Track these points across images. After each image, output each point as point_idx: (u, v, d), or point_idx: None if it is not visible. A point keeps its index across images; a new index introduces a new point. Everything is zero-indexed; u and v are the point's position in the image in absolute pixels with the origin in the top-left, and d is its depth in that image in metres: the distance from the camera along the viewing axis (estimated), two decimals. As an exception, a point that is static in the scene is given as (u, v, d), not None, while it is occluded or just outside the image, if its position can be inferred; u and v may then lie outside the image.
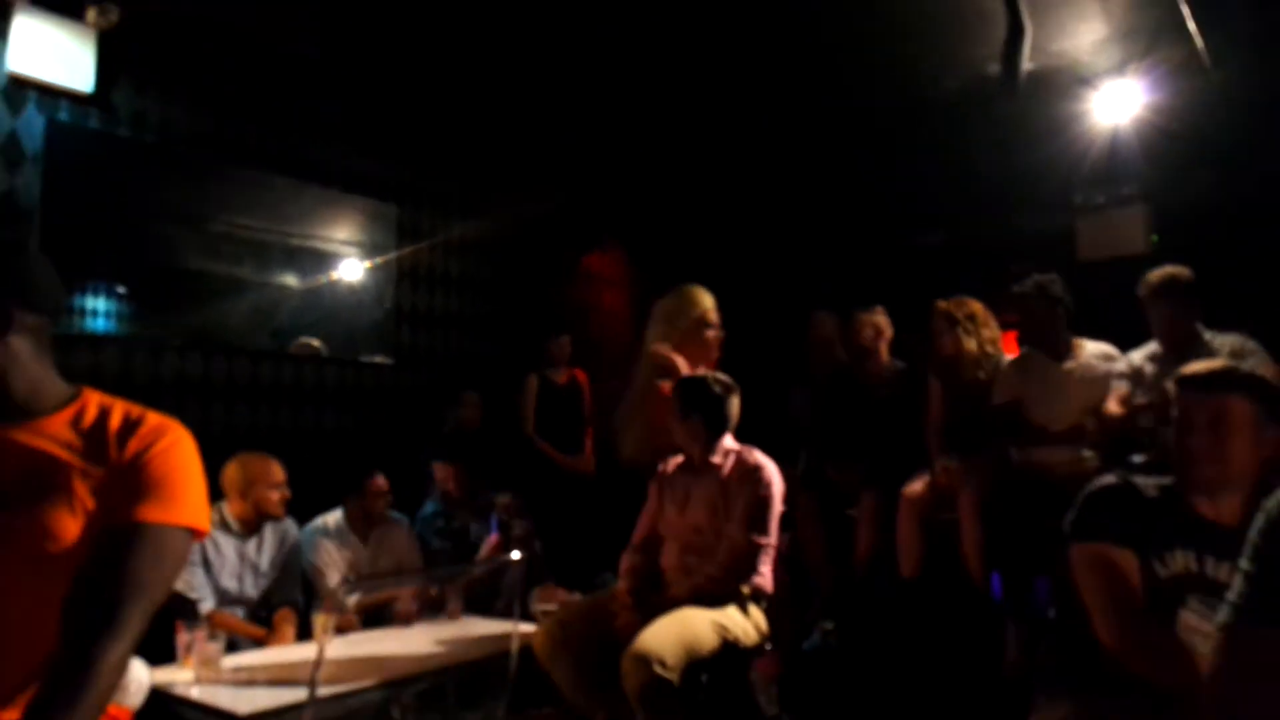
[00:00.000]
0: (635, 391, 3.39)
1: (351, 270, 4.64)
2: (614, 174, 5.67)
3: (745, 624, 2.76)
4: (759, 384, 5.15)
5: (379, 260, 4.70)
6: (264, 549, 3.21)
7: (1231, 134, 4.30)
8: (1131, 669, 1.60)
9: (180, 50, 3.89)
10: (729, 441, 2.97)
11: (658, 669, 2.42)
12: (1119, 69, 4.20)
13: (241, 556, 3.14)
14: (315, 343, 4.41)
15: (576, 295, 5.83)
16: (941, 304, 3.86)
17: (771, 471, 2.89)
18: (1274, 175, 4.24)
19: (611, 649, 2.56)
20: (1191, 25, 3.58)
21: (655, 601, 2.74)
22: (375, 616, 3.27)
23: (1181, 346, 3.16)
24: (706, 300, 3.39)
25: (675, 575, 2.89)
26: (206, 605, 2.97)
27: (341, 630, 3.06)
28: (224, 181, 4.09)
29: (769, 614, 2.87)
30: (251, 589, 3.17)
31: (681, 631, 2.56)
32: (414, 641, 2.92)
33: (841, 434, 4.22)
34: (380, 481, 3.63)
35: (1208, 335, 3.24)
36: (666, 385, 3.10)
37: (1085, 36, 3.97)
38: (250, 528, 3.17)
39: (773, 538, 2.84)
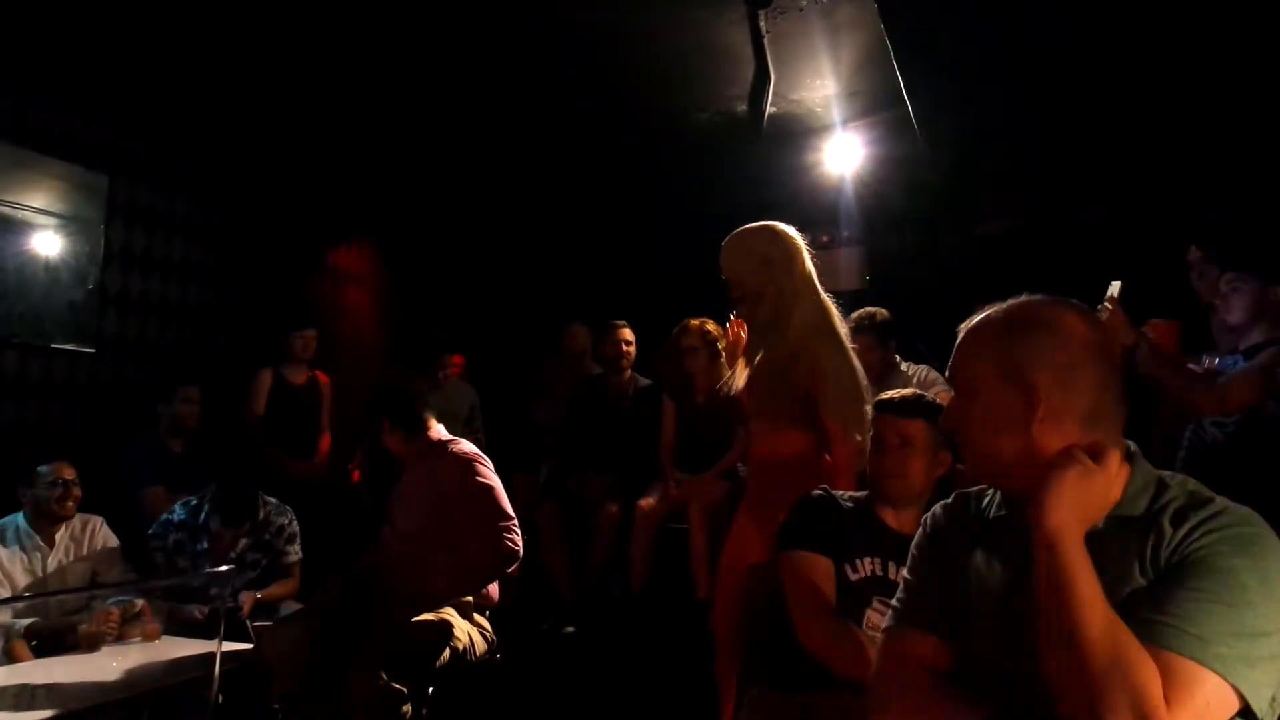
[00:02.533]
0: None
1: (46, 244, 4.01)
2: (367, 167, 5.43)
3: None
4: (502, 392, 5.20)
5: (81, 235, 4.11)
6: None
7: (933, 190, 4.95)
8: (824, 663, 1.77)
9: None
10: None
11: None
12: (844, 124, 4.67)
13: None
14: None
15: (321, 291, 5.49)
16: (692, 322, 4.05)
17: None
18: (966, 228, 4.94)
19: None
20: (905, 93, 4.06)
21: None
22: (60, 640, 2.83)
23: (880, 375, 3.55)
24: None
25: None
26: None
27: (9, 659, 2.64)
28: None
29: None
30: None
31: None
32: (98, 669, 2.57)
33: (587, 445, 4.31)
34: (60, 470, 3.15)
35: (904, 365, 3.68)
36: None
37: (819, 90, 4.38)
38: None
39: None
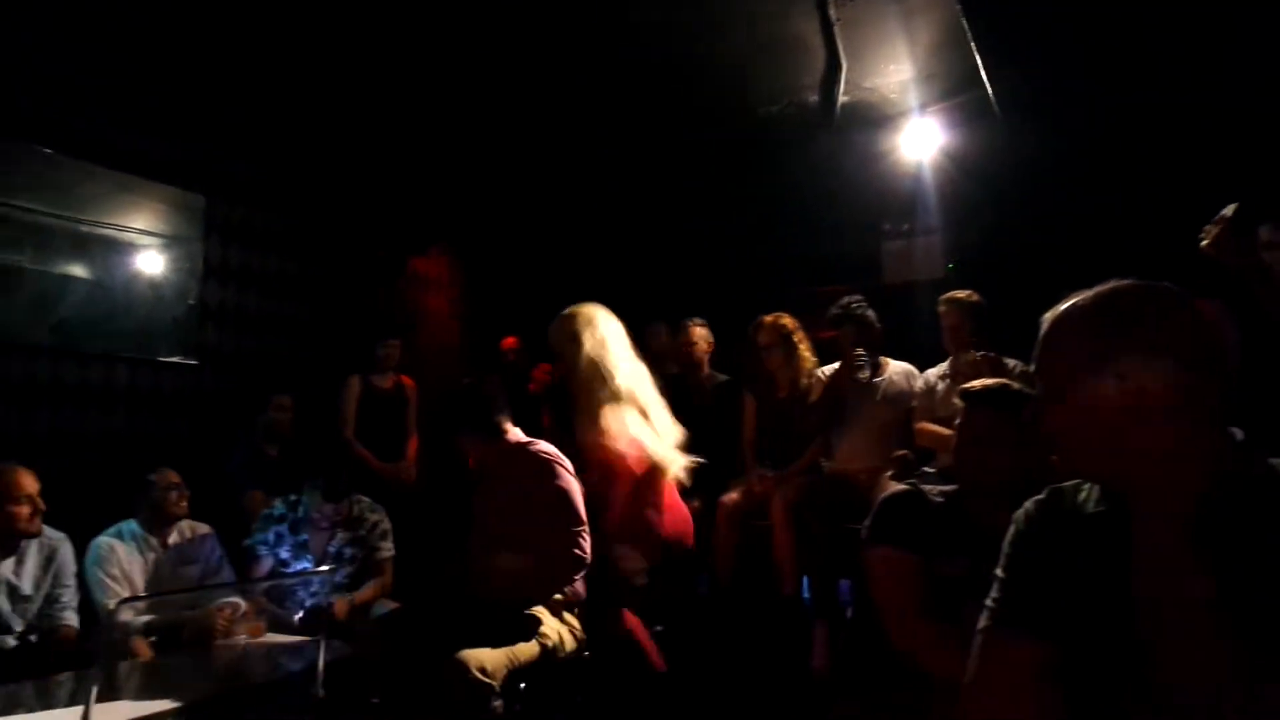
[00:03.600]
0: None
1: (150, 263, 4.25)
2: (445, 177, 5.55)
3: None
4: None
5: (183, 253, 4.33)
6: (25, 569, 2.87)
7: (1015, 176, 4.78)
8: (918, 664, 1.73)
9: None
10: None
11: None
12: (921, 109, 4.56)
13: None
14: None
15: (403, 298, 5.64)
16: (766, 319, 4.02)
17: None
18: (1049, 215, 4.75)
19: None
20: (984, 75, 3.94)
21: None
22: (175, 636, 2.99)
23: (975, 366, 3.44)
24: None
25: None
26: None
27: (131, 654, 2.79)
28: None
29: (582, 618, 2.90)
30: (14, 615, 2.82)
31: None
32: (209, 664, 2.70)
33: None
34: (169, 476, 3.31)
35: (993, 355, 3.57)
36: None
37: (893, 76, 4.28)
38: (4, 547, 2.83)
39: None
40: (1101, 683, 1.05)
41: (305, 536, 3.49)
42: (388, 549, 3.63)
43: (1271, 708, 0.93)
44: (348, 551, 3.53)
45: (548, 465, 2.86)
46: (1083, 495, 1.19)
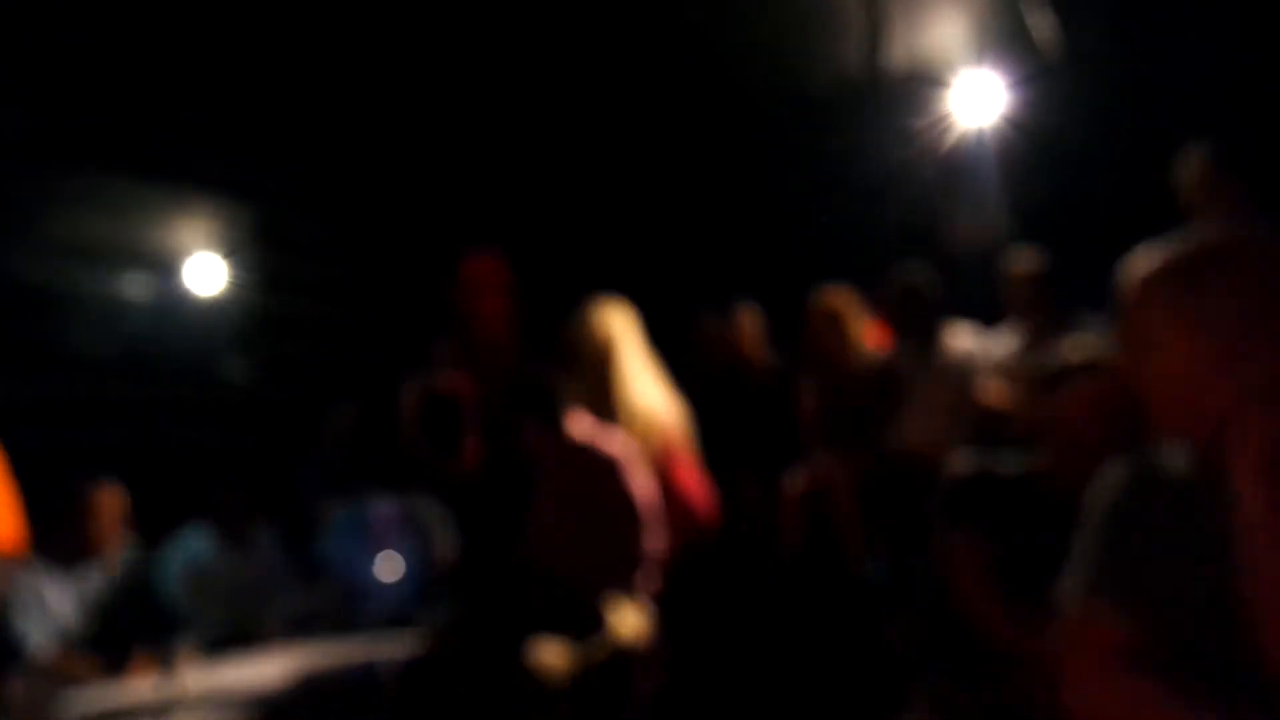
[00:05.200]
0: None
1: (211, 276, 4.34)
2: (492, 176, 5.56)
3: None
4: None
5: (241, 264, 4.42)
6: (105, 581, 2.96)
7: (1083, 134, 4.56)
8: (1001, 644, 1.65)
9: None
10: None
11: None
12: (977, 69, 4.38)
13: (74, 591, 2.88)
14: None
15: (457, 300, 5.67)
16: (820, 298, 3.93)
17: None
18: (1121, 173, 4.52)
19: None
20: (1043, 29, 3.76)
21: None
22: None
23: (1043, 332, 3.31)
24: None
25: None
26: (37, 648, 2.70)
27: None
28: (54, 180, 3.75)
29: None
30: (92, 625, 2.91)
31: None
32: (283, 663, 2.75)
33: (724, 430, 4.26)
34: (235, 492, 3.46)
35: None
36: None
37: (943, 37, 4.13)
38: (88, 560, 2.91)
39: None
40: (1202, 657, 0.98)
41: (373, 542, 3.55)
42: (450, 550, 3.66)
43: None
44: (414, 555, 3.57)
45: (613, 462, 2.82)
46: (1172, 459, 1.10)
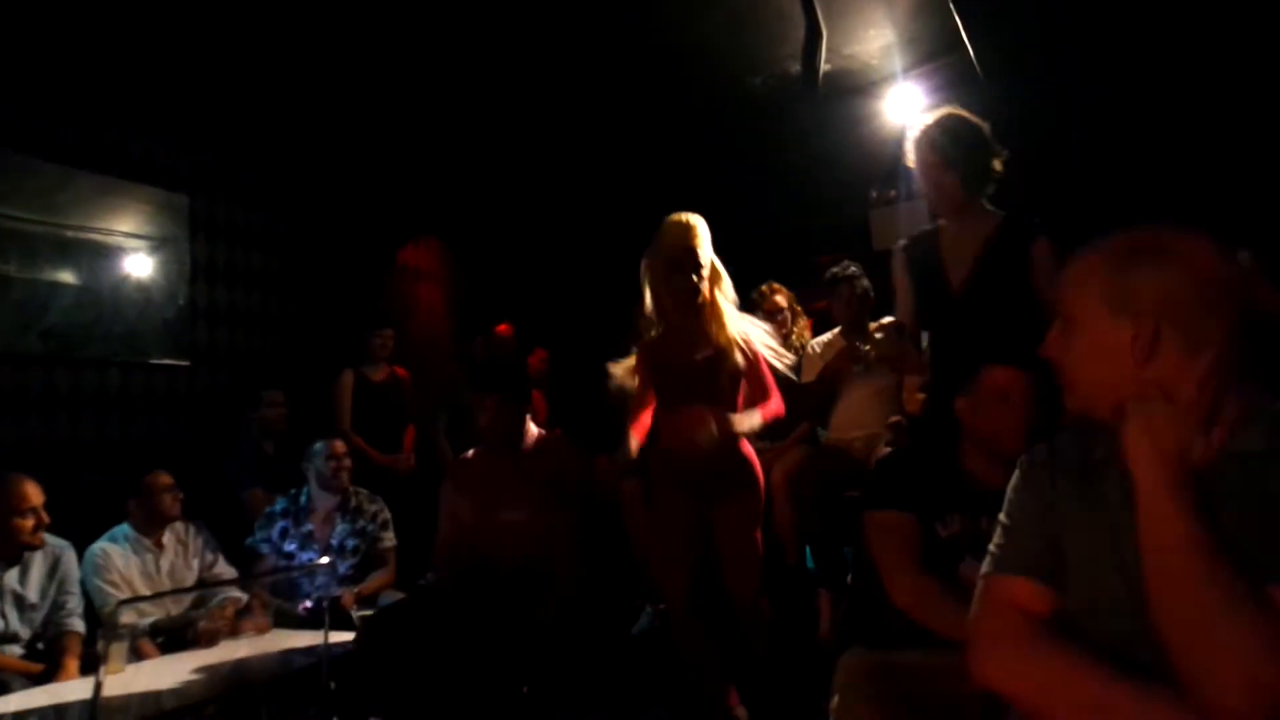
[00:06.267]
0: None
1: (138, 265, 4.21)
2: (431, 166, 5.51)
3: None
4: (579, 373, 5.23)
5: (169, 254, 4.31)
6: (30, 578, 2.87)
7: (1001, 142, 4.73)
8: (918, 622, 1.74)
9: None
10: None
11: None
12: (904, 73, 4.53)
13: (2, 589, 2.80)
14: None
15: (393, 290, 5.62)
16: (759, 292, 4.02)
17: None
18: (1034, 183, 4.71)
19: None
20: (965, 37, 3.90)
21: None
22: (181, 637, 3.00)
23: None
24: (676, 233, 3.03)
25: None
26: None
27: (138, 656, 2.80)
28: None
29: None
30: (21, 624, 2.82)
31: None
32: (217, 662, 2.71)
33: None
34: (163, 478, 3.31)
35: None
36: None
37: (874, 42, 4.25)
38: (9, 558, 2.82)
39: None
40: (1104, 630, 1.05)
41: (310, 527, 3.52)
42: (390, 539, 3.64)
43: None
44: (350, 543, 3.54)
45: (578, 451, 2.85)
46: (1088, 440, 1.17)
